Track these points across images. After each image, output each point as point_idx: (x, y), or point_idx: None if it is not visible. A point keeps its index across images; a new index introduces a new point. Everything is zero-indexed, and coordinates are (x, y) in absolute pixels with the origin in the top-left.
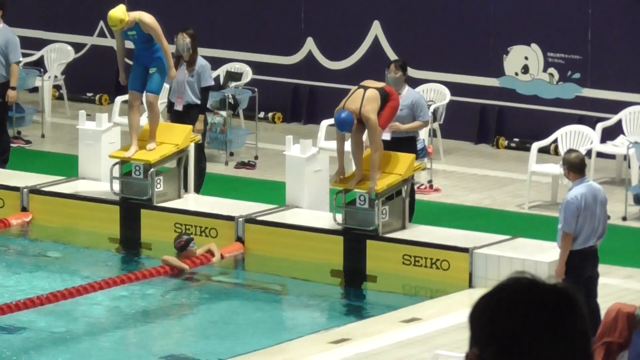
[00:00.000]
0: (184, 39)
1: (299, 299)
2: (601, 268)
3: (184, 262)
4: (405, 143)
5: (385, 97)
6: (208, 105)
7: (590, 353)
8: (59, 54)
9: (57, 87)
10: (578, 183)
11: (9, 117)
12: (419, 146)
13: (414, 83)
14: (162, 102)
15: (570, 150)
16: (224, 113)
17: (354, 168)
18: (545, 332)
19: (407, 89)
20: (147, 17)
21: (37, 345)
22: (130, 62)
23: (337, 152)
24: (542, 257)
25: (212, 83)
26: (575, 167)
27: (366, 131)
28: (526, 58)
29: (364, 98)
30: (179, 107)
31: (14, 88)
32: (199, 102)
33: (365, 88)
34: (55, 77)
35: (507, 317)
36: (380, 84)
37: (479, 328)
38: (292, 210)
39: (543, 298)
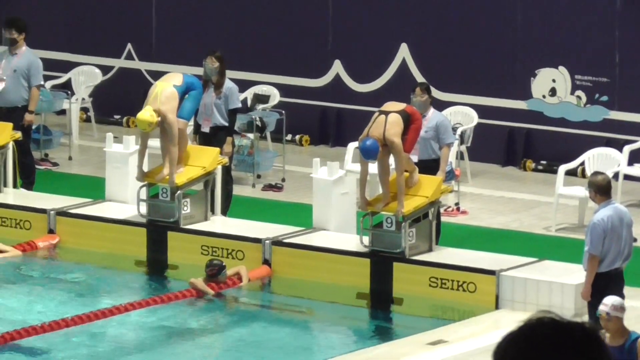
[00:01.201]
0: (213, 63)
1: (326, 321)
2: (627, 290)
3: (211, 287)
4: (432, 165)
5: (408, 119)
6: (235, 128)
7: None
8: (87, 76)
9: (84, 110)
10: (604, 205)
11: (37, 139)
12: (447, 169)
13: (442, 106)
14: (189, 124)
15: (596, 173)
16: (251, 135)
17: (380, 191)
18: None
19: (432, 111)
20: (171, 116)
21: None
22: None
23: (360, 181)
24: (568, 279)
25: (240, 105)
26: (602, 189)
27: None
28: (554, 81)
29: (386, 123)
30: (206, 129)
31: (31, 112)
32: (226, 124)
33: (387, 113)
34: (83, 99)
35: (541, 358)
36: (401, 106)
37: None
38: (319, 232)
39: (572, 342)
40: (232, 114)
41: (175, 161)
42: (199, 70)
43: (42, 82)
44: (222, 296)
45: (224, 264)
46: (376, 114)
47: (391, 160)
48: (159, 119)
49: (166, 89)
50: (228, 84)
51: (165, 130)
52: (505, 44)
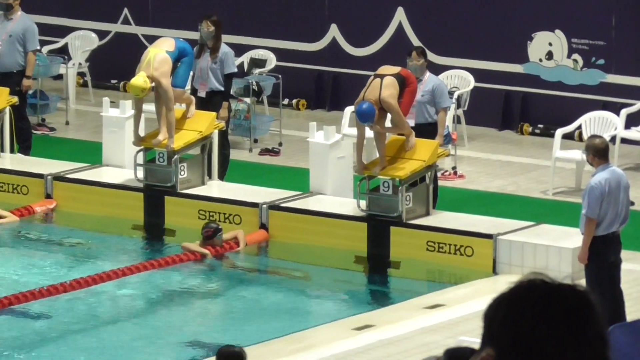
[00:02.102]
0: (208, 27)
1: (323, 285)
2: (625, 254)
3: (206, 249)
4: (428, 129)
5: (403, 82)
6: (232, 92)
7: (607, 356)
8: (83, 41)
9: (81, 75)
10: (602, 169)
11: (34, 104)
12: (444, 133)
13: (438, 69)
14: (186, 88)
15: (593, 136)
16: (247, 100)
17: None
18: (569, 338)
19: (428, 74)
20: (165, 81)
21: (61, 331)
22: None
23: (356, 145)
24: (565, 243)
25: (235, 70)
26: (600, 152)
27: (389, 117)
28: (550, 44)
29: (382, 86)
30: (202, 93)
31: (29, 77)
32: (222, 89)
33: (382, 76)
34: (80, 64)
35: (531, 322)
36: (396, 69)
37: (497, 329)
38: (316, 197)
39: (564, 304)
40: (227, 78)
41: (173, 125)
42: (195, 35)
43: (38, 47)
44: (219, 260)
45: (220, 226)
46: (371, 77)
47: (387, 123)
48: (152, 84)
49: (159, 54)
50: (224, 49)
51: (160, 96)
52: (502, 7)
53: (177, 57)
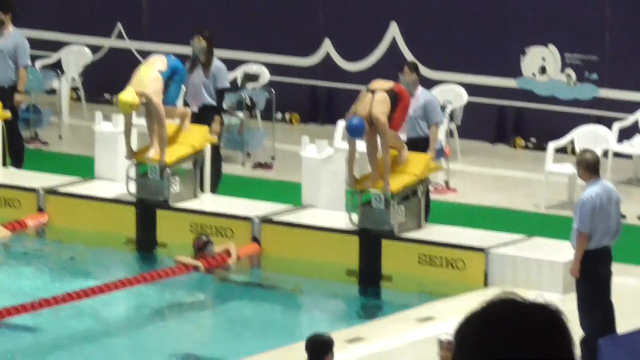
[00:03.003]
0: (200, 42)
1: (315, 298)
2: (617, 267)
3: (199, 261)
4: (420, 144)
5: (395, 98)
6: (225, 107)
7: None
8: (77, 56)
9: (74, 89)
10: (593, 183)
11: (27, 118)
12: (436, 147)
13: (431, 84)
14: (178, 103)
15: (584, 151)
16: (240, 114)
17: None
18: (540, 359)
19: (420, 90)
20: (156, 99)
21: (53, 345)
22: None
23: (348, 159)
24: (557, 257)
25: (228, 85)
26: (591, 167)
27: None
28: (543, 59)
29: (373, 101)
30: (194, 108)
31: (20, 92)
32: (214, 103)
33: (374, 92)
34: (73, 79)
35: (502, 342)
36: (389, 84)
37: (468, 349)
38: (308, 210)
39: (535, 324)
40: (220, 93)
41: (165, 140)
42: (188, 50)
43: (29, 63)
44: (211, 273)
45: (210, 239)
46: (363, 92)
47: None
48: (142, 100)
49: (150, 72)
50: (216, 63)
51: (151, 112)
52: (495, 22)
53: (169, 76)
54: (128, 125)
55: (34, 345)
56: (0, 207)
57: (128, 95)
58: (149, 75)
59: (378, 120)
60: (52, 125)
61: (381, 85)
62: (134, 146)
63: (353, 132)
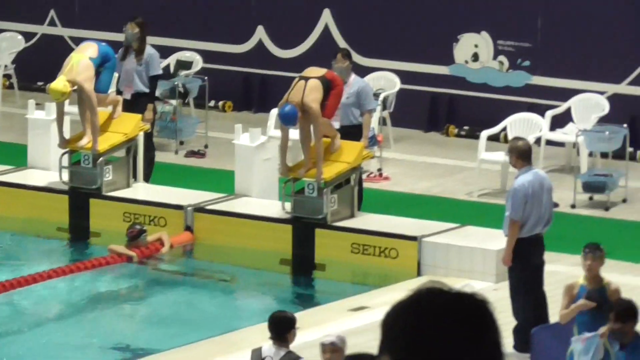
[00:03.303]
0: (133, 29)
1: (248, 287)
2: (550, 255)
3: (132, 251)
4: (353, 131)
5: (328, 85)
6: (158, 94)
7: None
8: (10, 42)
9: (7, 76)
10: (525, 171)
11: None
12: (369, 135)
13: (365, 71)
14: (110, 90)
15: (516, 138)
16: (174, 102)
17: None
18: (466, 347)
19: (353, 76)
20: (87, 86)
21: None
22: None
23: (280, 147)
24: (490, 245)
25: (161, 72)
26: (523, 154)
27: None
28: (476, 46)
29: (305, 88)
30: (127, 96)
31: None
32: (147, 90)
33: (307, 79)
34: (6, 66)
35: (429, 331)
36: (322, 71)
37: (394, 337)
38: (241, 199)
39: (462, 313)
40: (153, 80)
41: (97, 128)
42: (121, 37)
43: None
44: (144, 262)
45: (144, 227)
46: (296, 79)
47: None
48: (74, 88)
49: (82, 60)
50: (149, 51)
51: (83, 100)
52: (428, 9)
53: (100, 63)
54: (60, 113)
55: None
56: None
57: (59, 83)
58: (80, 63)
59: (310, 108)
60: None
61: (314, 72)
62: (67, 134)
63: (285, 120)
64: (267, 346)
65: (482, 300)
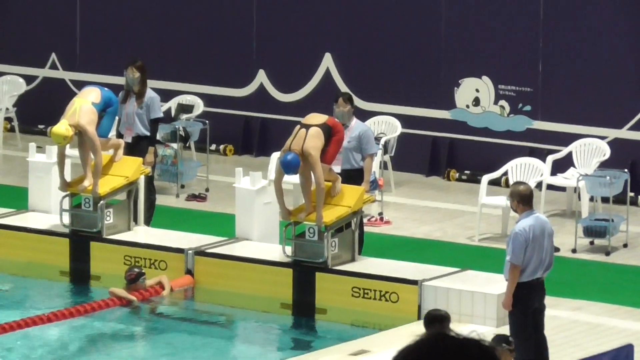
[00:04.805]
0: (134, 73)
1: (248, 331)
2: (550, 300)
3: (132, 294)
4: (355, 175)
5: (329, 132)
6: (159, 138)
7: None
8: (11, 86)
9: (8, 119)
10: (526, 215)
11: None
12: (370, 179)
13: (366, 115)
14: (111, 134)
15: (517, 183)
16: (175, 145)
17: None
18: None
19: (354, 121)
20: (90, 129)
21: None
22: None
23: (276, 191)
24: (490, 289)
25: (161, 115)
26: (524, 199)
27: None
28: (477, 90)
29: (306, 136)
30: (128, 139)
31: None
32: (148, 134)
33: (308, 127)
34: (7, 109)
35: None
36: (323, 119)
37: None
38: (242, 242)
39: (471, 358)
40: (153, 123)
41: (99, 171)
42: (123, 80)
43: None
44: (144, 306)
45: (143, 270)
46: (297, 127)
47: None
48: (76, 132)
49: (84, 105)
50: (150, 94)
51: (85, 143)
52: (429, 53)
53: (103, 108)
54: (62, 156)
55: None
56: None
57: (62, 127)
58: (83, 108)
59: (310, 155)
60: None
61: (314, 120)
62: (68, 177)
63: (287, 168)
64: None
65: (489, 346)
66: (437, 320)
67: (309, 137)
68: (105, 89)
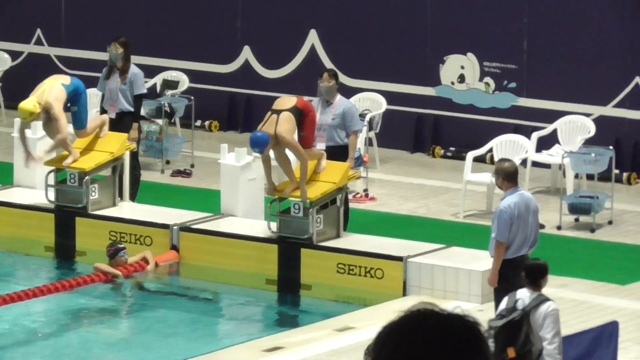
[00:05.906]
0: (117, 49)
1: (233, 307)
2: None
3: (117, 269)
4: (340, 152)
5: (300, 115)
6: (144, 114)
7: None
8: None
9: None
10: (511, 192)
11: None
12: (355, 155)
13: (350, 92)
14: (95, 110)
15: (502, 160)
16: (160, 121)
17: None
18: None
19: (339, 97)
20: (57, 106)
21: None
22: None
23: (263, 167)
24: (475, 266)
25: (145, 91)
26: (509, 176)
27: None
28: (462, 67)
29: (277, 122)
30: (112, 114)
31: None
32: (132, 109)
33: (278, 112)
34: None
35: (420, 351)
36: (292, 102)
37: (385, 358)
38: (227, 218)
39: (453, 334)
40: (137, 99)
41: (67, 145)
42: (106, 56)
43: None
44: (129, 281)
45: (123, 245)
46: (268, 113)
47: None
48: (42, 110)
49: (54, 85)
50: (133, 70)
51: (51, 121)
52: (414, 30)
53: (72, 90)
54: (22, 132)
55: None
56: None
57: (29, 103)
58: (53, 87)
59: (284, 138)
60: None
61: (284, 103)
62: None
63: (255, 145)
64: (522, 290)
65: (473, 322)
66: (541, 270)
67: (280, 121)
68: (76, 78)
